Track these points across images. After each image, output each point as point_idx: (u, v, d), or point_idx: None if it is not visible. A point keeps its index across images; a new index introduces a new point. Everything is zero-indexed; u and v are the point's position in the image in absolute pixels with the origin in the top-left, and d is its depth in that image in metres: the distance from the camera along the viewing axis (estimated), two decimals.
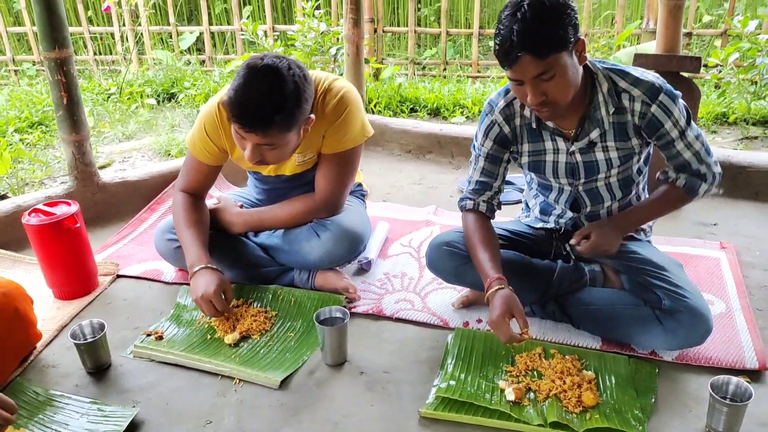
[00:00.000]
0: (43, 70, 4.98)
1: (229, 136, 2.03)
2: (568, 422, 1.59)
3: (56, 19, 2.36)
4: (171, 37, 5.05)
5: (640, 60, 2.59)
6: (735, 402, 1.55)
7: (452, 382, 1.74)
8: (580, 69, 1.64)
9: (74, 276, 2.16)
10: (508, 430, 1.61)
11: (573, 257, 2.02)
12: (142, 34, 4.93)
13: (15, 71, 5.07)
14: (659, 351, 1.84)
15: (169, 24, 4.98)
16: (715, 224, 2.60)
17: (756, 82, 3.64)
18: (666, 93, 1.69)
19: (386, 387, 1.78)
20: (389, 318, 2.06)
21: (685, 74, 2.60)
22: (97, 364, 1.84)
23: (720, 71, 3.61)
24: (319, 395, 1.75)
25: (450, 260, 1.96)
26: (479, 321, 2.02)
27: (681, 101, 1.72)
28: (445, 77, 4.66)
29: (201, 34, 4.99)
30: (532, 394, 1.70)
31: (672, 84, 1.75)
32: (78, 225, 2.10)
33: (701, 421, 1.61)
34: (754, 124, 3.47)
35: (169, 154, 3.34)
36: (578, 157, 1.81)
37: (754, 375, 1.76)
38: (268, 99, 1.75)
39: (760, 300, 2.10)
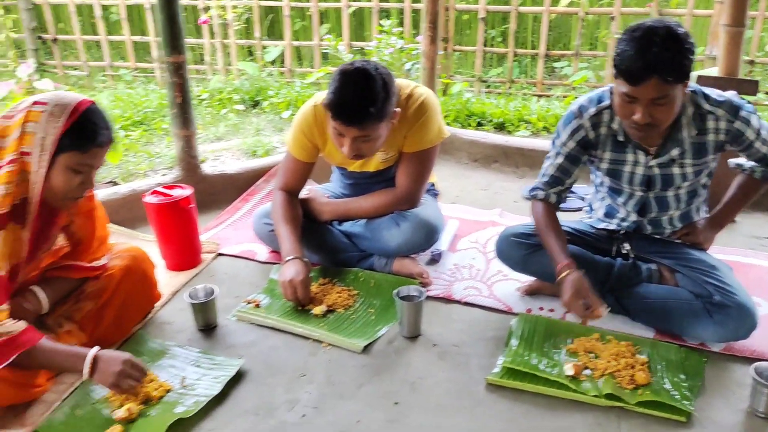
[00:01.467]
0: (138, 76, 5.44)
1: (321, 134, 2.32)
2: (621, 395, 1.78)
3: (177, 28, 2.72)
4: (255, 50, 5.44)
5: (703, 82, 2.77)
6: None
7: (516, 357, 1.96)
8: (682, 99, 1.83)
9: (185, 250, 2.48)
10: (565, 399, 1.82)
11: (632, 257, 2.21)
12: (229, 46, 5.33)
13: (112, 76, 5.54)
14: (708, 343, 2.01)
15: (254, 38, 5.38)
16: (767, 237, 2.74)
17: None
18: (743, 108, 1.91)
19: (456, 358, 2.01)
20: (458, 302, 2.29)
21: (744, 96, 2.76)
22: (207, 323, 2.14)
23: None
24: (397, 360, 2.00)
25: (517, 250, 2.19)
26: (541, 309, 2.23)
27: (751, 107, 1.94)
28: (510, 94, 4.88)
29: (283, 47, 5.36)
30: (588, 371, 1.90)
31: None
32: (192, 205, 2.42)
33: (744, 403, 1.78)
34: None
35: (256, 154, 3.66)
36: (656, 170, 2.01)
37: None
38: (363, 96, 2.03)
39: None
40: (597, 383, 1.84)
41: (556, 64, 5.60)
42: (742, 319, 1.91)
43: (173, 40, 2.72)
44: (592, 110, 2.01)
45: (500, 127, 4.12)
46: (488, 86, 5.14)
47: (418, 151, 2.32)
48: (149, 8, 5.34)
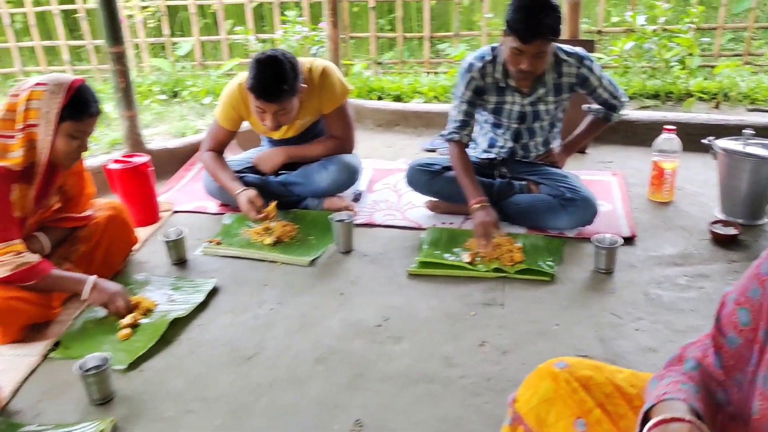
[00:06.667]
0: None
1: (246, 107, 2.83)
2: (504, 268, 2.44)
3: (116, 23, 3.14)
4: (167, 46, 5.80)
5: None
6: (609, 247, 2.43)
7: (428, 255, 2.58)
8: None
9: (146, 209, 2.91)
10: (465, 276, 2.45)
11: (508, 177, 2.89)
12: (138, 45, 5.66)
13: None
14: (565, 231, 2.72)
15: (163, 36, 5.73)
16: (611, 162, 3.53)
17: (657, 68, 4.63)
18: (587, 59, 2.62)
19: (383, 261, 2.60)
20: (380, 225, 2.89)
21: None
22: (180, 258, 2.61)
23: (619, 57, 4.60)
24: (337, 268, 2.57)
25: (422, 176, 2.84)
26: (443, 223, 2.86)
27: (594, 58, 2.65)
28: (403, 73, 5.53)
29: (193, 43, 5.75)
30: (479, 258, 2.55)
31: None
32: (151, 168, 2.87)
33: (590, 266, 2.48)
34: (648, 98, 4.44)
35: (185, 136, 4.09)
36: (528, 107, 2.68)
37: (628, 241, 2.64)
38: (277, 77, 2.56)
39: (638, 203, 3.02)
40: (487, 265, 2.50)
41: (440, 45, 6.31)
42: (587, 208, 2.63)
43: (114, 33, 3.14)
44: (479, 65, 2.65)
45: (398, 99, 4.76)
46: (383, 67, 5.77)
47: (336, 108, 2.89)
48: (57, 14, 5.56)
